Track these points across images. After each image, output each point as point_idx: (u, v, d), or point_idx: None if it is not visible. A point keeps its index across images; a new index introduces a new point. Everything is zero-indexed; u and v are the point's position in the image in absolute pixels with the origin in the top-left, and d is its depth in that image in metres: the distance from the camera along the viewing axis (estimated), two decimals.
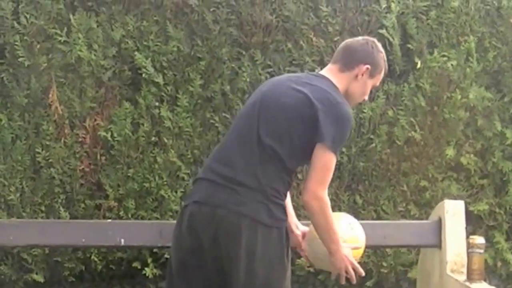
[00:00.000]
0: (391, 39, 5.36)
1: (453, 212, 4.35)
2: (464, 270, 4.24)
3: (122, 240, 4.22)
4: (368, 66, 3.38)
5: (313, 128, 3.19)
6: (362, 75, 3.39)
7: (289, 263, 3.29)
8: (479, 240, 4.24)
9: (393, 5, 5.37)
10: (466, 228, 4.35)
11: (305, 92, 3.25)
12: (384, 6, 5.38)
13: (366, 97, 3.49)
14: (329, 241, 3.31)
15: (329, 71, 3.42)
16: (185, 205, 3.34)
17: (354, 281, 3.40)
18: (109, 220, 5.01)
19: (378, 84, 3.50)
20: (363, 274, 3.39)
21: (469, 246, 4.23)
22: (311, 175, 3.22)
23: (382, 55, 3.49)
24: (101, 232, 4.28)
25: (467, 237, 4.29)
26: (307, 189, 3.21)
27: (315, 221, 3.27)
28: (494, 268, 5.49)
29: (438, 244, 4.35)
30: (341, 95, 3.33)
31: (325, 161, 3.20)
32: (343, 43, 3.50)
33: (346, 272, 3.36)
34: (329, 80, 3.36)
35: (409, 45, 5.42)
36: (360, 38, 3.55)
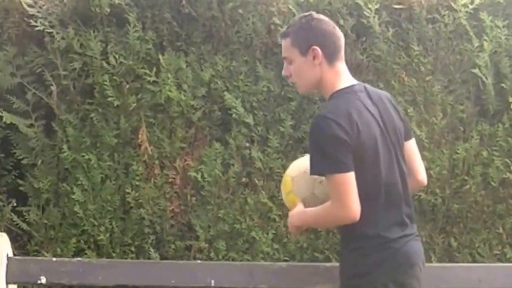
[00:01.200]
0: (484, 79, 5.39)
1: None
2: None
3: (212, 282, 4.28)
4: None
5: None
6: None
7: None
8: None
9: (485, 44, 5.40)
10: None
11: None
12: (476, 45, 5.42)
13: None
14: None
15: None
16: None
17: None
18: (199, 261, 5.07)
19: None
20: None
21: None
22: None
23: None
24: (190, 273, 4.34)
25: None
26: None
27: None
28: None
29: None
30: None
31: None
32: (336, 32, 3.43)
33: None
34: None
35: (502, 84, 5.43)
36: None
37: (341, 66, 3.40)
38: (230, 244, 5.29)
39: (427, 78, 5.36)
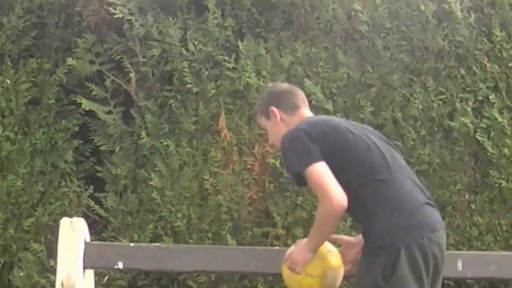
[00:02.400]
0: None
1: None
2: None
3: None
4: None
5: None
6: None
7: None
8: None
9: None
10: None
11: None
12: None
13: None
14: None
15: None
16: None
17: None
18: (277, 247, 5.14)
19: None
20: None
21: None
22: None
23: None
24: (268, 259, 4.34)
25: None
26: None
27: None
28: None
29: None
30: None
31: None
32: (291, 89, 3.79)
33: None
34: None
35: None
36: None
37: (305, 111, 3.69)
38: (308, 231, 5.32)
39: (510, 65, 5.39)
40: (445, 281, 5.09)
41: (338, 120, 3.72)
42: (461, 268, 4.26)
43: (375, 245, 3.35)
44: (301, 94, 3.76)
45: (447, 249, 5.20)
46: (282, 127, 3.61)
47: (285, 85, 3.91)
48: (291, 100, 3.69)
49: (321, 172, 3.34)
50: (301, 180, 3.41)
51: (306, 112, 3.69)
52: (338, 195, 3.30)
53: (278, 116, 3.63)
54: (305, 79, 5.38)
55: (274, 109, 3.64)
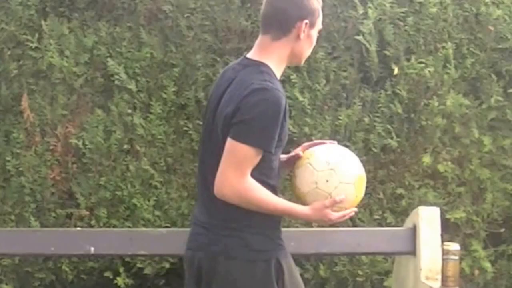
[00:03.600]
0: (368, 46, 5.65)
1: (427, 219, 4.59)
2: (439, 277, 4.48)
3: (92, 249, 4.47)
4: (306, 20, 3.22)
5: None
6: (304, 31, 3.23)
7: None
8: (454, 246, 4.49)
9: (370, 11, 5.66)
10: (442, 235, 4.60)
11: None
12: (361, 12, 5.64)
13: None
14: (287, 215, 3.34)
15: (259, 48, 3.27)
16: None
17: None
18: (78, 228, 5.28)
19: (321, 25, 3.35)
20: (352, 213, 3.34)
21: (444, 253, 4.47)
22: None
23: None
24: (70, 240, 4.53)
25: (442, 244, 4.54)
26: None
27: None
28: (471, 277, 5.75)
29: (413, 251, 4.59)
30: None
31: None
32: (266, 5, 3.28)
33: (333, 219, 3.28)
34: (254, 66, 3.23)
35: (386, 52, 5.69)
36: None
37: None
38: (111, 211, 5.49)
39: None
40: None
41: None
42: None
43: None
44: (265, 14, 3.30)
45: None
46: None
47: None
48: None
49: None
50: None
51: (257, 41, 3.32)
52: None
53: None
54: (108, 59, 5.49)
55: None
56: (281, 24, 3.20)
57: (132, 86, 5.49)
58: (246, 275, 3.17)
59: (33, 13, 5.51)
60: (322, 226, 5.20)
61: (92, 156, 5.46)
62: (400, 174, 5.70)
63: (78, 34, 5.53)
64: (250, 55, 3.28)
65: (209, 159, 3.22)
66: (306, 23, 3.21)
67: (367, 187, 5.01)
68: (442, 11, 5.80)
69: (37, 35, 5.49)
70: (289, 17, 3.20)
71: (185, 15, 5.57)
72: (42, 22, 5.50)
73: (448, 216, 5.65)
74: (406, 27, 5.76)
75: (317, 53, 5.58)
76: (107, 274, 5.50)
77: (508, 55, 5.84)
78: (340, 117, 5.62)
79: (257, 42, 3.29)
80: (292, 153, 3.43)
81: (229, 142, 3.10)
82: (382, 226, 5.57)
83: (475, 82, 5.87)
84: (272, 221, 3.24)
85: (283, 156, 3.37)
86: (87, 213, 5.46)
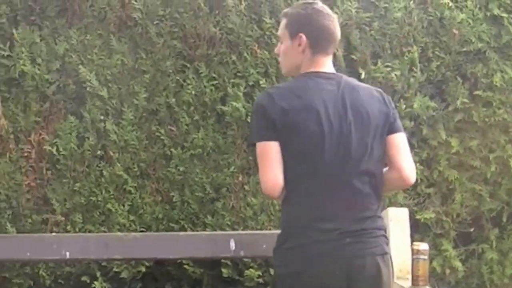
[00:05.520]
0: (334, 50, 5.91)
1: (397, 219, 4.82)
2: (409, 276, 4.67)
3: (68, 253, 4.69)
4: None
5: None
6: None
7: None
8: (423, 246, 4.66)
9: (336, 16, 5.93)
10: (412, 236, 4.85)
11: None
12: None
13: None
14: None
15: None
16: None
17: None
18: (54, 234, 5.51)
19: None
20: None
21: (413, 252, 4.65)
22: None
23: None
24: (46, 245, 4.75)
25: (412, 244, 4.75)
26: None
27: None
28: (442, 276, 6.02)
29: None
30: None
31: None
32: (331, 28, 3.58)
33: None
34: None
35: (352, 56, 5.97)
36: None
37: (323, 59, 3.49)
38: (87, 216, 5.72)
39: None
40: (222, 260, 5.62)
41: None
42: (234, 248, 4.72)
43: None
44: (336, 37, 3.60)
45: (224, 229, 5.76)
46: (298, 59, 3.47)
47: (329, 16, 3.63)
48: (325, 40, 3.53)
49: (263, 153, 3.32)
50: None
51: (323, 62, 3.50)
52: (270, 179, 3.30)
53: (302, 48, 3.45)
54: (80, 66, 5.73)
55: (304, 38, 3.45)
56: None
57: (103, 92, 5.74)
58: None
59: (4, 22, 5.76)
60: None
61: (66, 162, 5.70)
62: None
63: (50, 42, 5.78)
64: None
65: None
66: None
67: None
68: (407, 16, 6.08)
69: (8, 43, 5.74)
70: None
71: (155, 22, 5.83)
72: (14, 30, 5.75)
73: (418, 217, 5.92)
74: (372, 32, 6.03)
75: None
76: (84, 278, 5.72)
77: (473, 58, 6.14)
78: None
79: (327, 62, 3.54)
80: None
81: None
82: None
83: (441, 84, 6.16)
84: None
85: None
86: (63, 218, 5.69)
